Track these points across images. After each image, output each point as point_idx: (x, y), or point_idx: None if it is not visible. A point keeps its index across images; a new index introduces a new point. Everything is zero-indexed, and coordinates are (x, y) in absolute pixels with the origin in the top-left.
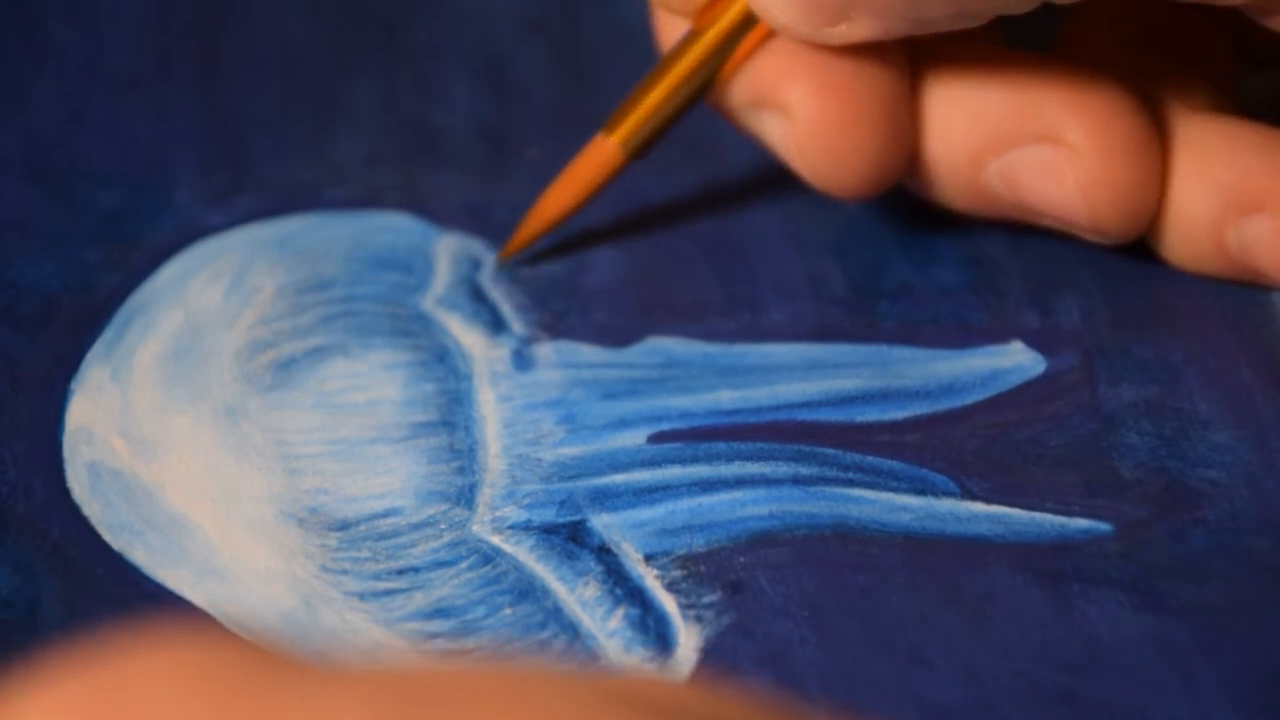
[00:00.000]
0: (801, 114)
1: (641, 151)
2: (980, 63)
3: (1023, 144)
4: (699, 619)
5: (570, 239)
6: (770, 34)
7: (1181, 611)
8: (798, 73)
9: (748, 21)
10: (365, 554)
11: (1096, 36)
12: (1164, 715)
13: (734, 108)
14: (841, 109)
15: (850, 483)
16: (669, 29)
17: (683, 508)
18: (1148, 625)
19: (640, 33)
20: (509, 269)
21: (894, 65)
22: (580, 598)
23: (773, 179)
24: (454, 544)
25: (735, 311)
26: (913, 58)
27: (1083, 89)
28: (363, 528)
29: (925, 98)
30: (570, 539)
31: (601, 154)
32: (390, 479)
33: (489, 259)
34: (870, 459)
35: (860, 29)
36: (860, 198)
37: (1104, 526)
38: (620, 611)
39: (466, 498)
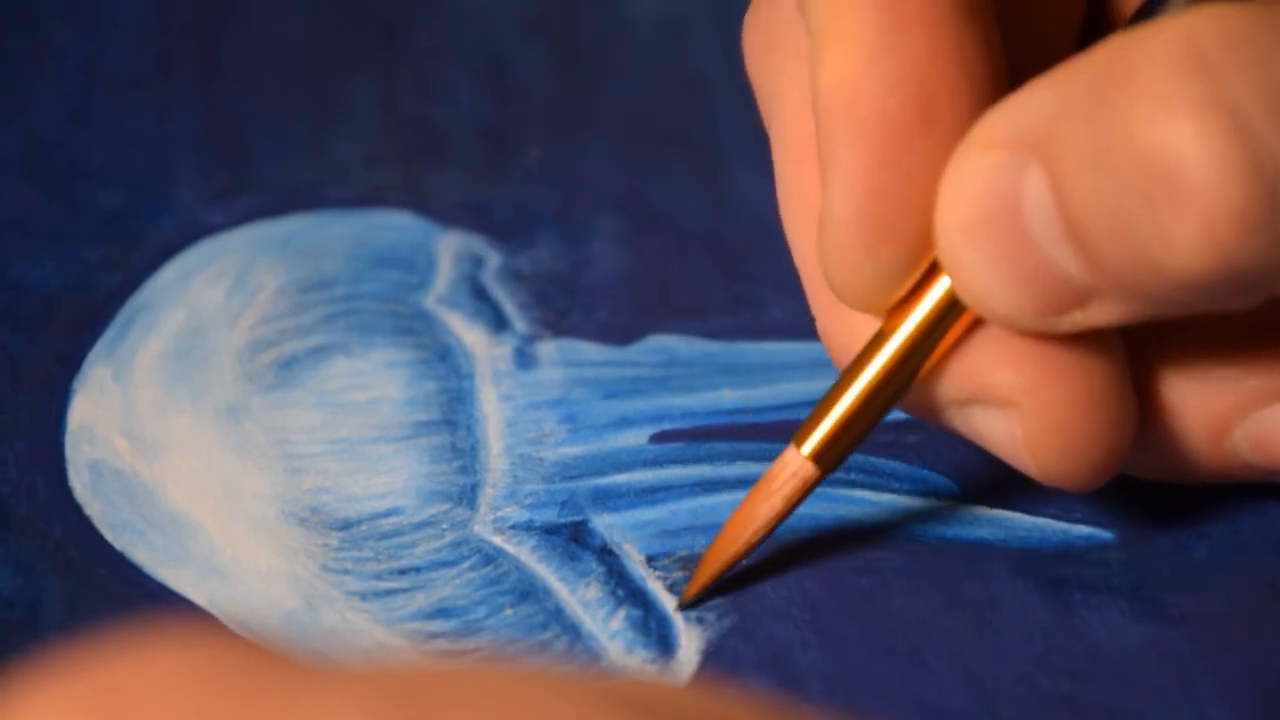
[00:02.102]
0: (1033, 406)
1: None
2: (1195, 320)
3: (1269, 402)
4: (700, 621)
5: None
6: (975, 325)
7: (1182, 620)
8: (1020, 362)
9: (947, 315)
10: (367, 554)
11: None
12: None
13: (938, 407)
14: (1075, 396)
15: (852, 484)
16: (841, 326)
17: (685, 508)
18: (1148, 633)
19: (640, 32)
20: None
21: (1112, 342)
22: (582, 599)
23: (773, 177)
24: (456, 544)
25: (737, 309)
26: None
27: None
28: (364, 527)
29: (1150, 369)
30: (572, 539)
31: (794, 470)
32: (392, 478)
33: (492, 256)
34: (872, 460)
35: (1099, 314)
36: (1091, 489)
37: (1105, 534)
38: (622, 613)
39: (468, 497)
